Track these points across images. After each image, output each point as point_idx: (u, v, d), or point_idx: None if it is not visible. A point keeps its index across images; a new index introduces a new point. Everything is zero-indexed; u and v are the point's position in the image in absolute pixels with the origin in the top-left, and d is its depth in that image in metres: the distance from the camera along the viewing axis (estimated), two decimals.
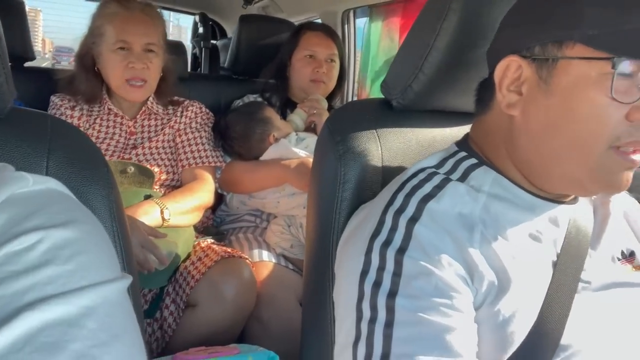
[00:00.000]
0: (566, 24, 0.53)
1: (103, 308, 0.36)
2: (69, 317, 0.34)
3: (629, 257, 0.65)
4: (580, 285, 0.59)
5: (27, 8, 1.71)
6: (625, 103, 0.51)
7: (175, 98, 1.44)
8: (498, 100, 0.59)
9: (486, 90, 0.63)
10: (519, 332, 0.54)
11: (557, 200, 0.61)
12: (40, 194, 0.42)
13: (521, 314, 0.55)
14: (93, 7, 1.37)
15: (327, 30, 1.62)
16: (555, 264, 0.59)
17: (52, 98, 1.35)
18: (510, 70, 0.57)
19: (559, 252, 0.60)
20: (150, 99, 1.37)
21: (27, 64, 1.68)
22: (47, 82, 1.45)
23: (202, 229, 1.40)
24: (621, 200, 0.70)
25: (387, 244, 0.55)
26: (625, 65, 0.50)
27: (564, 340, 0.56)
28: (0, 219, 0.37)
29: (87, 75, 1.33)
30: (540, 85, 0.55)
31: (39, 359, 0.31)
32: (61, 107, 1.32)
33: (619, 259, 0.64)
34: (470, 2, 0.68)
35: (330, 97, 1.62)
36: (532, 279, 0.57)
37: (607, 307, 0.60)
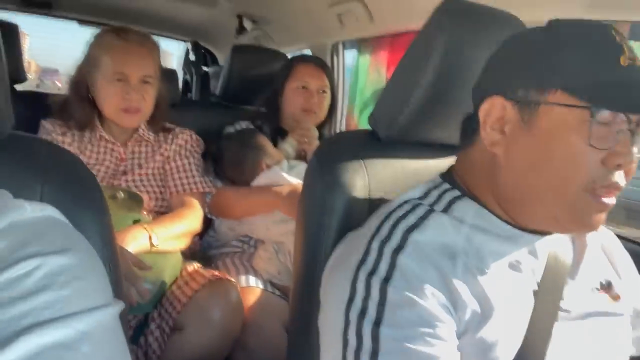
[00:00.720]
0: (549, 71, 0.56)
1: (97, 332, 0.37)
2: (65, 341, 0.35)
3: (607, 287, 0.68)
4: (560, 313, 0.62)
5: None
6: (601, 149, 0.54)
7: (167, 125, 1.46)
8: (482, 137, 0.62)
9: (470, 125, 0.65)
10: (503, 359, 0.56)
11: (536, 232, 0.63)
12: (37, 221, 0.43)
13: (504, 341, 0.57)
14: (79, 31, 1.39)
15: (318, 63, 1.66)
16: (535, 293, 0.61)
17: (43, 123, 1.35)
18: (495, 109, 0.60)
19: (538, 281, 0.62)
20: (142, 126, 1.39)
21: (17, 87, 1.70)
22: (36, 105, 1.46)
23: (189, 254, 1.40)
24: (598, 233, 0.73)
25: (372, 273, 0.57)
26: (603, 115, 0.53)
27: None
28: (1, 245, 0.38)
29: (81, 102, 1.34)
30: (522, 127, 0.58)
31: None
32: (52, 132, 1.33)
33: (597, 289, 0.67)
34: (454, 43, 0.72)
35: (320, 127, 1.66)
36: (513, 307, 0.59)
37: (586, 336, 0.63)
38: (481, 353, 0.56)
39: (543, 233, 0.64)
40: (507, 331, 0.57)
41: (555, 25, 0.59)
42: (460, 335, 0.56)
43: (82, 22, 2.55)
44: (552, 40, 0.57)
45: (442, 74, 0.73)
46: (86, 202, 0.62)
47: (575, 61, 0.55)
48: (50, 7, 2.39)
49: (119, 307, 0.41)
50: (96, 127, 1.35)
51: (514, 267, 0.61)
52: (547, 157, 0.56)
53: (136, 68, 1.29)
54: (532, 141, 0.57)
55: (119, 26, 1.35)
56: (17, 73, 1.65)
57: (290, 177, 1.41)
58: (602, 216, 0.58)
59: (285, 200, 1.34)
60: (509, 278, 0.60)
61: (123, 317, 0.63)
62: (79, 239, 0.45)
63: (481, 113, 0.61)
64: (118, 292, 0.63)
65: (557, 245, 0.66)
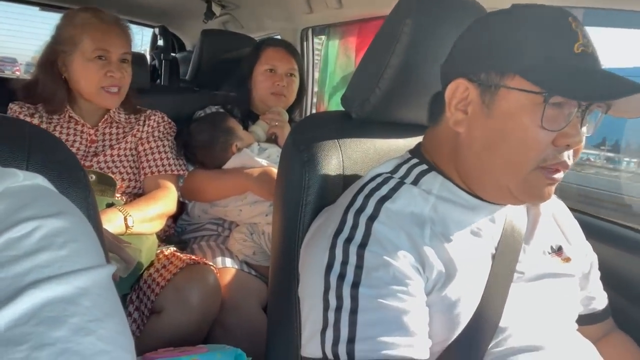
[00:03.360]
0: (508, 57, 0.60)
1: (95, 289, 0.40)
2: (67, 296, 0.37)
3: (557, 251, 0.74)
4: (516, 275, 0.68)
5: None
6: (552, 130, 0.59)
7: (138, 107, 1.46)
8: (447, 116, 0.67)
9: (437, 105, 0.70)
10: (464, 314, 0.62)
11: (495, 201, 0.69)
12: (30, 188, 0.45)
13: (465, 298, 0.62)
14: (34, 17, 1.37)
15: (287, 46, 1.68)
16: (493, 257, 0.67)
17: (11, 105, 1.33)
18: (459, 91, 0.64)
19: (496, 246, 0.68)
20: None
21: None
22: (1, 91, 1.42)
23: (164, 238, 1.41)
24: (550, 203, 0.80)
25: (349, 240, 0.61)
26: (555, 99, 0.58)
27: (502, 323, 0.64)
28: (0, 209, 0.40)
29: (53, 83, 1.32)
30: (483, 108, 0.62)
31: (44, 331, 0.35)
32: (20, 114, 1.30)
33: (549, 253, 0.73)
34: (420, 27, 0.76)
35: (290, 110, 1.68)
36: (474, 269, 0.65)
37: (539, 295, 0.69)
38: (446, 309, 0.62)
39: (500, 203, 0.70)
40: (468, 290, 0.63)
41: (515, 10, 0.63)
42: (428, 293, 0.61)
43: (43, 6, 2.47)
44: (511, 26, 0.62)
45: (410, 55, 0.77)
46: (70, 181, 0.64)
47: (532, 47, 0.59)
48: None
49: (111, 268, 0.44)
50: (66, 109, 1.34)
51: (475, 233, 0.67)
52: (503, 137, 0.61)
53: (117, 46, 1.30)
54: (491, 122, 0.62)
55: (91, 7, 1.34)
56: None
57: (261, 160, 1.43)
58: (552, 189, 0.64)
59: (256, 181, 1.37)
60: (470, 243, 0.66)
61: None
62: (69, 205, 0.47)
63: (447, 94, 0.66)
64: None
65: (513, 213, 0.72)
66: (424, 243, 0.62)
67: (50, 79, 1.32)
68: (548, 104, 0.57)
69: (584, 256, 0.80)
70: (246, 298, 1.25)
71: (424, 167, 0.70)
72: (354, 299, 0.58)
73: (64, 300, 0.37)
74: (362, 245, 0.60)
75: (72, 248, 0.41)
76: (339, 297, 0.59)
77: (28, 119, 1.30)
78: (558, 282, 0.72)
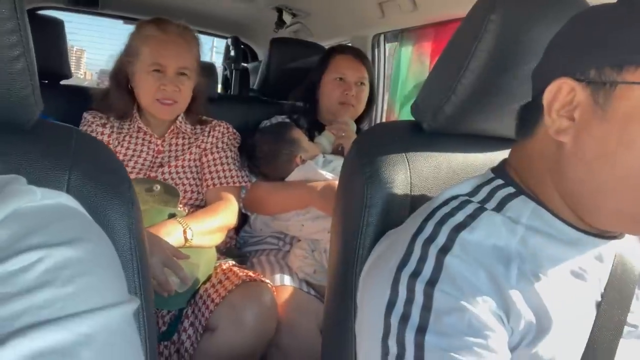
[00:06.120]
0: (628, 46, 0.48)
1: (103, 336, 0.33)
2: (63, 346, 0.31)
3: None
4: (626, 329, 0.54)
5: (74, 49, 1.75)
6: None
7: (204, 118, 1.45)
8: (546, 124, 0.54)
9: (530, 114, 0.58)
10: None
11: (602, 235, 0.56)
12: (47, 209, 0.40)
13: (562, 358, 0.50)
14: (125, 31, 1.41)
15: (357, 54, 1.61)
16: (598, 305, 0.54)
17: (84, 114, 1.37)
18: (562, 93, 0.52)
19: (602, 291, 0.55)
20: (180, 118, 1.39)
21: (63, 82, 1.73)
22: (80, 99, 1.48)
23: (224, 250, 1.39)
24: None
25: (415, 275, 0.51)
26: None
27: None
28: (3, 234, 0.35)
29: (120, 92, 1.36)
30: (595, 111, 0.50)
31: None
32: (92, 123, 1.34)
33: None
34: (508, 24, 0.65)
35: (358, 120, 1.61)
36: (574, 320, 0.52)
37: None
38: None
39: (610, 237, 0.56)
40: (565, 347, 0.51)
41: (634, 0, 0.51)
42: (512, 349, 0.50)
43: (126, 19, 2.61)
44: (630, 13, 0.49)
45: (494, 57, 0.66)
46: (113, 193, 0.60)
47: None
48: (97, 5, 2.45)
49: (133, 305, 0.37)
50: (135, 119, 1.36)
51: (577, 274, 0.54)
52: (625, 145, 0.48)
53: (173, 60, 1.29)
54: (608, 127, 0.49)
55: (159, 17, 1.35)
56: (62, 69, 1.68)
57: (326, 173, 1.36)
58: None
59: (319, 196, 1.30)
60: (570, 287, 0.53)
61: (149, 313, 0.61)
62: (93, 230, 0.41)
63: (546, 97, 0.53)
64: (144, 287, 0.60)
65: (625, 250, 0.58)
66: (510, 285, 0.50)
67: (118, 88, 1.36)
68: None
69: None
70: (304, 319, 1.18)
71: (511, 189, 0.58)
72: (419, 347, 0.48)
73: (58, 352, 0.30)
74: (431, 283, 0.50)
75: (81, 283, 0.34)
76: (401, 344, 0.49)
77: (100, 129, 1.33)
78: None
